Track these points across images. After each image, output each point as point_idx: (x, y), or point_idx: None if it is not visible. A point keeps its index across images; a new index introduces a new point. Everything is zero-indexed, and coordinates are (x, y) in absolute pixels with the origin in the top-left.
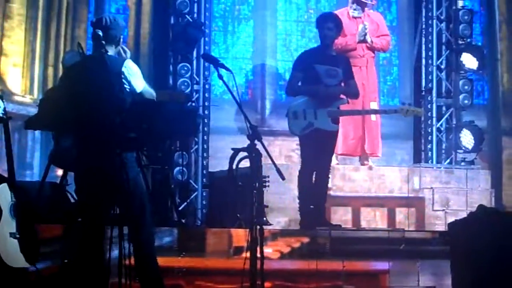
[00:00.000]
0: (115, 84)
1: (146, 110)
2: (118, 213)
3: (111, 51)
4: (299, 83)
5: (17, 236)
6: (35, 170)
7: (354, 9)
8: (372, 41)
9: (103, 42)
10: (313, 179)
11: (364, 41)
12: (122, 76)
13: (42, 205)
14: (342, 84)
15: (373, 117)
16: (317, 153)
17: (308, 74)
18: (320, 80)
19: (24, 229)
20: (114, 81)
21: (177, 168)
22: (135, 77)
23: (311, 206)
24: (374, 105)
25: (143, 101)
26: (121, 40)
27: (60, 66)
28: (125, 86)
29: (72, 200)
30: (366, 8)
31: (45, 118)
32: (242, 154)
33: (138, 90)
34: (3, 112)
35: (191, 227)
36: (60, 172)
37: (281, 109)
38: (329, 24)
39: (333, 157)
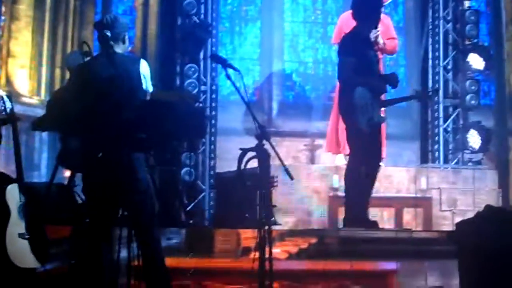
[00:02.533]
0: (132, 83)
1: (155, 110)
2: (127, 214)
3: (119, 49)
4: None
5: (26, 236)
6: (43, 171)
7: None
8: (384, 43)
9: (111, 42)
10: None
11: (375, 43)
12: (141, 75)
13: (50, 206)
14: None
15: None
16: (374, 147)
17: (361, 61)
18: (373, 68)
19: (33, 230)
20: (131, 80)
21: (185, 169)
22: (149, 77)
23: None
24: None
25: (152, 101)
26: (126, 37)
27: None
28: (142, 84)
29: (80, 201)
30: None
31: (52, 119)
32: (250, 154)
33: (150, 90)
34: (10, 111)
35: (199, 227)
36: (67, 173)
37: (288, 109)
38: (382, 9)
39: (342, 157)
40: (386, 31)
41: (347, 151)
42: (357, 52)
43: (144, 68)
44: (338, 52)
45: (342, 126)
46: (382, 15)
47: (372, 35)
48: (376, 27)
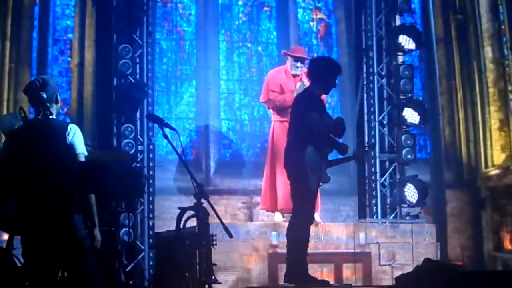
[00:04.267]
0: (61, 147)
1: (91, 171)
2: (67, 276)
3: (53, 110)
4: None
5: None
6: None
7: (297, 67)
8: None
9: (47, 103)
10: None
11: None
12: (67, 139)
13: None
14: None
15: None
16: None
17: (324, 119)
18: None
19: None
20: (59, 145)
21: (123, 229)
22: (80, 141)
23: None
24: None
25: (89, 163)
26: (59, 97)
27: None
28: (70, 149)
29: (19, 264)
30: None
31: None
32: (189, 213)
33: (84, 152)
34: None
35: None
36: (5, 236)
37: (225, 167)
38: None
39: (279, 214)
40: None
41: (285, 207)
42: (317, 109)
43: (72, 133)
44: (305, 108)
45: (281, 182)
46: (305, 69)
47: (298, 90)
48: (327, 92)
